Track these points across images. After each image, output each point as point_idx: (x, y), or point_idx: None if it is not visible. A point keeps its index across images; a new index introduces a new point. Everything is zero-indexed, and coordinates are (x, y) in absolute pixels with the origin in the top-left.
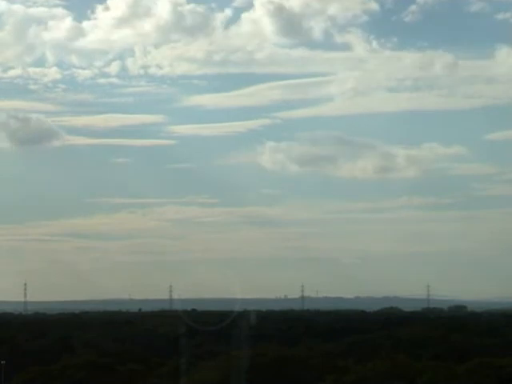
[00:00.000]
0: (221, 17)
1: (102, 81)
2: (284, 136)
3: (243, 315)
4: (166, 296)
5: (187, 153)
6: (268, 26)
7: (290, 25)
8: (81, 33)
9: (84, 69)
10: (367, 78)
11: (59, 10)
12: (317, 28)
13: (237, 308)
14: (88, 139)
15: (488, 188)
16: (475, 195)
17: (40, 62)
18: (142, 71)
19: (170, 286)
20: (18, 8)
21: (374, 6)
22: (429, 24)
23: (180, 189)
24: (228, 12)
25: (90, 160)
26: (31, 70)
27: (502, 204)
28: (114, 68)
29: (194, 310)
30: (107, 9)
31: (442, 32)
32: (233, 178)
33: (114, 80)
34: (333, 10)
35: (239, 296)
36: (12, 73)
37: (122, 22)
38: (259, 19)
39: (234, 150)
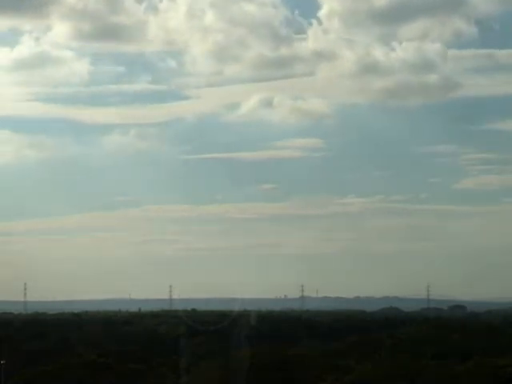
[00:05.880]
0: None
1: None
2: None
3: (243, 315)
4: (166, 296)
5: None
6: None
7: None
8: None
9: None
10: None
11: None
12: None
13: (237, 308)
14: None
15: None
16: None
17: None
18: None
19: (170, 286)
20: None
21: None
22: None
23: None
24: None
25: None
26: None
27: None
28: None
29: (193, 310)
30: None
31: None
32: None
33: None
34: None
35: (239, 296)
36: None
37: None
38: None
39: None
